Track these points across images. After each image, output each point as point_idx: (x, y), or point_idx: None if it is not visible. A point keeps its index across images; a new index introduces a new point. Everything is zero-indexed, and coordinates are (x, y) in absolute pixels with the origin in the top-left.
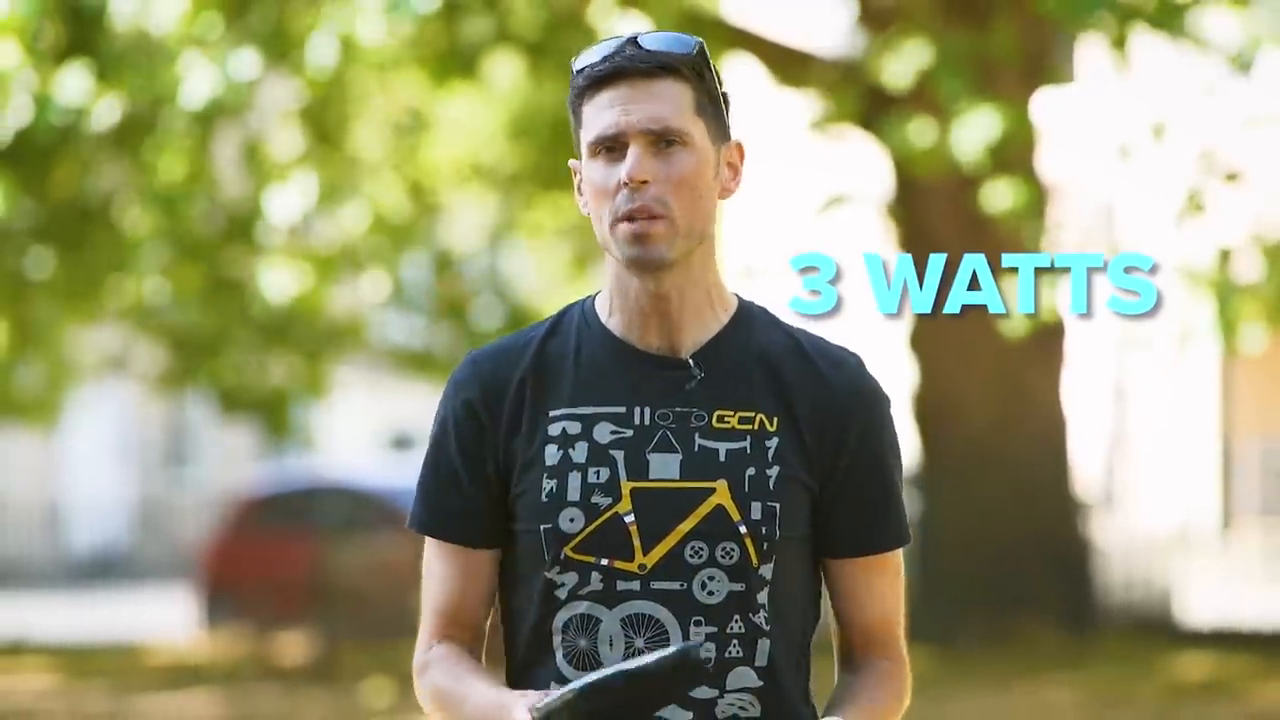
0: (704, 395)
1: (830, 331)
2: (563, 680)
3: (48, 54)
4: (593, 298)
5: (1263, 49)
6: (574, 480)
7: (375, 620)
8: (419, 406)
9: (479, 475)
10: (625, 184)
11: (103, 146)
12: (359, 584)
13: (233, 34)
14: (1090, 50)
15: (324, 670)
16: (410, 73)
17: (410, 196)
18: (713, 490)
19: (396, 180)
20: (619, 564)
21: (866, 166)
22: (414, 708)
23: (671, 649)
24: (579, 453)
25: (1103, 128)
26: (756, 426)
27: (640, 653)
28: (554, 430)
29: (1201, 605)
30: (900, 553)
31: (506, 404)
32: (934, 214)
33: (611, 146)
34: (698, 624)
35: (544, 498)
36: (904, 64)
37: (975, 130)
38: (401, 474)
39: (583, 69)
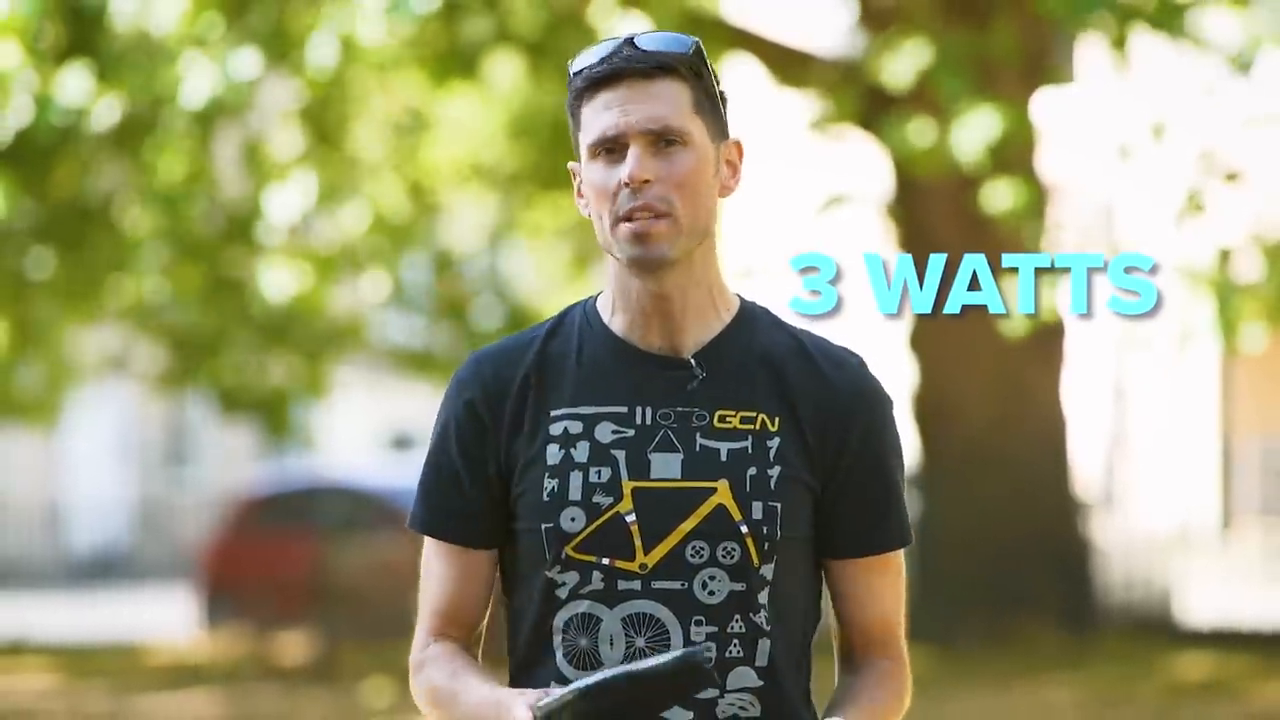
0: (706, 395)
1: (830, 332)
2: (563, 679)
3: (48, 54)
4: (594, 298)
5: (1263, 49)
6: (575, 479)
7: (375, 620)
8: (419, 406)
9: (480, 476)
10: (626, 184)
11: (103, 146)
12: (359, 584)
13: (233, 34)
14: (1090, 50)
15: (324, 670)
16: (410, 73)
17: (410, 196)
18: (714, 490)
19: (396, 180)
20: (620, 563)
21: (866, 166)
22: (414, 708)
23: (675, 652)
24: (581, 452)
25: (1103, 128)
26: (758, 426)
27: (641, 652)
28: (556, 430)
29: (1201, 605)
30: (902, 553)
31: (508, 404)
32: (934, 214)
33: (611, 148)
34: (698, 623)
35: (545, 497)
36: (904, 64)
37: (975, 130)
38: (401, 474)
39: (580, 71)
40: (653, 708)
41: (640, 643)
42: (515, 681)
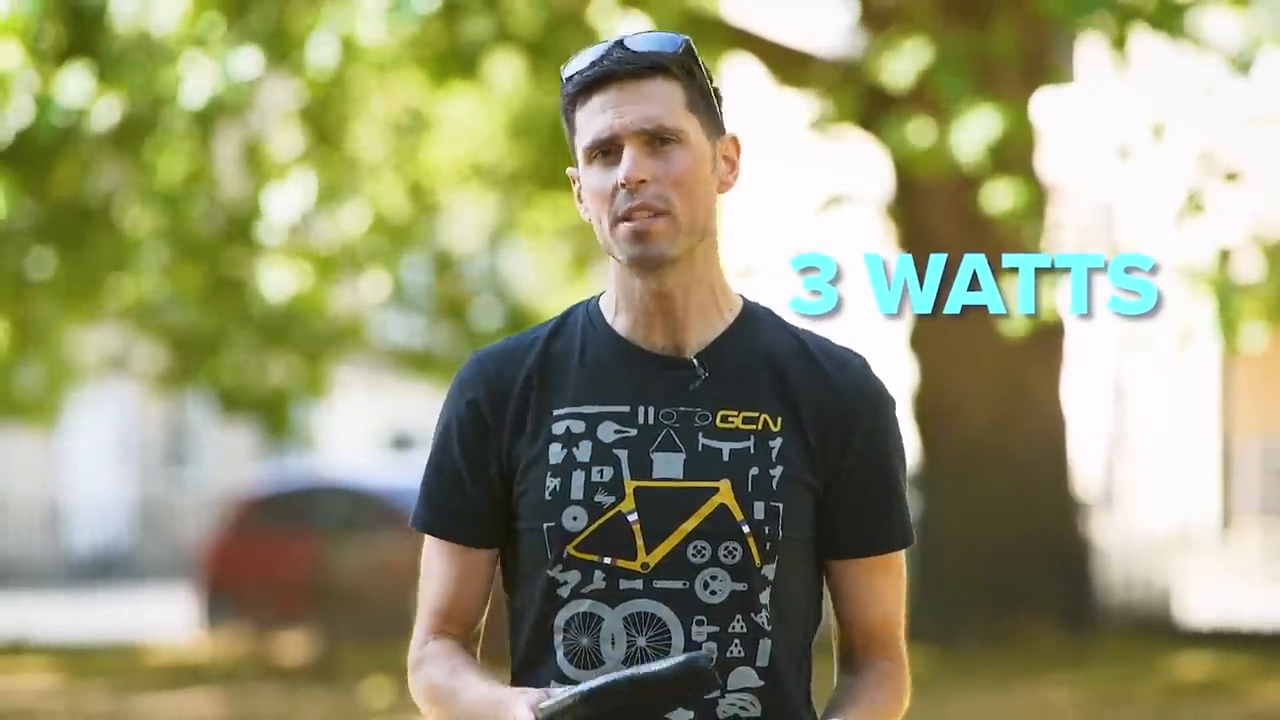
0: (708, 395)
1: (830, 332)
2: (564, 678)
3: (49, 54)
4: (597, 298)
5: (1263, 49)
6: (578, 479)
7: (375, 620)
8: (419, 406)
9: (482, 476)
10: (623, 185)
11: (103, 146)
12: (359, 584)
13: (233, 34)
14: (1090, 50)
15: (324, 670)
16: (410, 73)
17: (410, 196)
18: (716, 490)
19: (396, 180)
20: (621, 563)
21: (866, 166)
22: (414, 708)
23: (678, 657)
24: (583, 451)
25: (1103, 128)
26: (760, 427)
27: (642, 651)
28: (558, 429)
29: (1201, 605)
30: (903, 554)
31: (511, 403)
32: (934, 214)
33: (607, 150)
34: (700, 623)
35: (547, 496)
36: (904, 64)
37: (975, 130)
38: (401, 474)
39: (572, 76)
40: (655, 711)
41: (641, 642)
42: (517, 680)
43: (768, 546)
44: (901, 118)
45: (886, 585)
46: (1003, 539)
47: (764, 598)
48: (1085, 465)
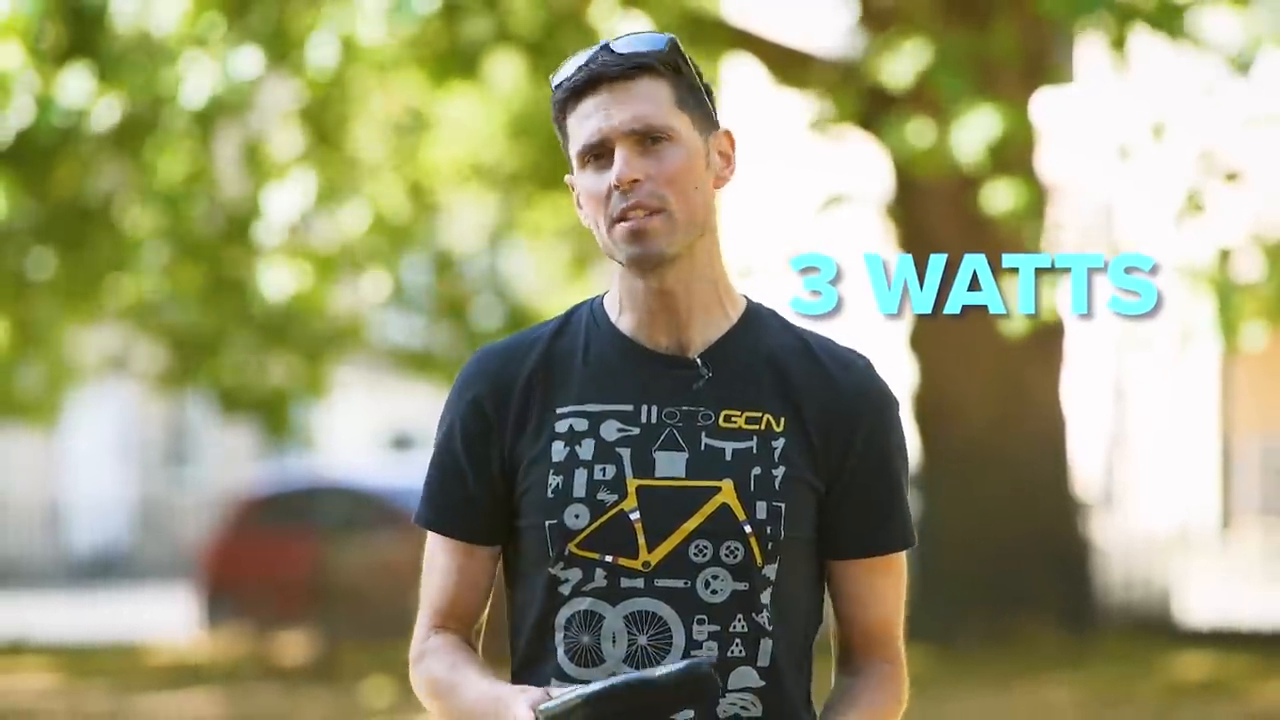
0: (711, 395)
1: (830, 332)
2: (564, 676)
3: (49, 55)
4: (601, 297)
5: (1263, 49)
6: (580, 477)
7: (375, 620)
8: (419, 406)
9: (484, 473)
10: (616, 186)
11: (103, 146)
12: (359, 584)
13: (233, 34)
14: (1090, 50)
15: (324, 670)
16: (410, 73)
17: (410, 196)
18: (718, 489)
19: (396, 180)
20: (623, 561)
21: (866, 166)
22: (414, 707)
23: (680, 663)
24: (586, 450)
25: (1103, 128)
26: (763, 427)
27: (643, 649)
28: (561, 427)
29: (1201, 605)
30: (904, 554)
31: (514, 401)
32: (934, 214)
33: (599, 153)
34: (700, 622)
35: (550, 493)
36: (904, 64)
37: (975, 130)
38: (401, 474)
39: (560, 83)
40: (656, 716)
41: (642, 641)
42: (517, 678)
43: (769, 546)
44: (901, 118)
45: (887, 586)
46: (1003, 539)
47: (765, 597)
48: (1085, 465)
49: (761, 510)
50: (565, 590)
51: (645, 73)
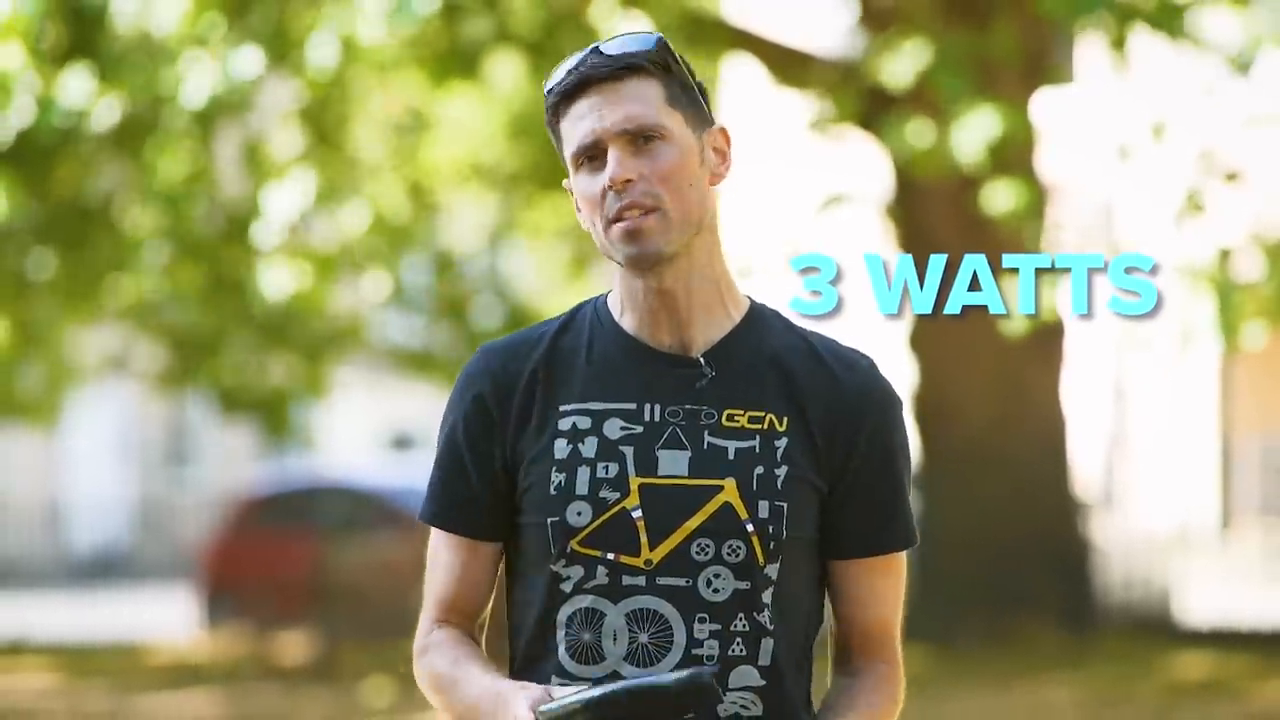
0: (714, 394)
1: (831, 332)
2: (565, 673)
3: (50, 55)
4: (605, 296)
5: (1263, 49)
6: (583, 474)
7: (375, 620)
8: (419, 406)
9: (487, 470)
10: (610, 186)
11: (104, 147)
12: (359, 583)
13: (233, 34)
14: (1090, 50)
15: (324, 670)
16: (410, 73)
17: (410, 196)
18: (720, 488)
19: (396, 180)
20: (625, 559)
21: (866, 166)
22: (414, 707)
23: (681, 672)
24: (588, 447)
25: (1102, 128)
26: (766, 426)
27: (644, 647)
28: (564, 425)
29: (1201, 605)
30: (905, 555)
31: (516, 398)
32: (934, 214)
33: (593, 155)
34: (702, 621)
35: (552, 491)
36: (904, 64)
37: (975, 130)
38: (401, 474)
39: (552, 88)
40: None
41: (643, 638)
42: (518, 675)
43: (771, 545)
44: (901, 118)
45: (887, 586)
46: (1003, 539)
47: (767, 597)
48: (1085, 465)
49: (764, 509)
50: (567, 588)
51: (635, 73)
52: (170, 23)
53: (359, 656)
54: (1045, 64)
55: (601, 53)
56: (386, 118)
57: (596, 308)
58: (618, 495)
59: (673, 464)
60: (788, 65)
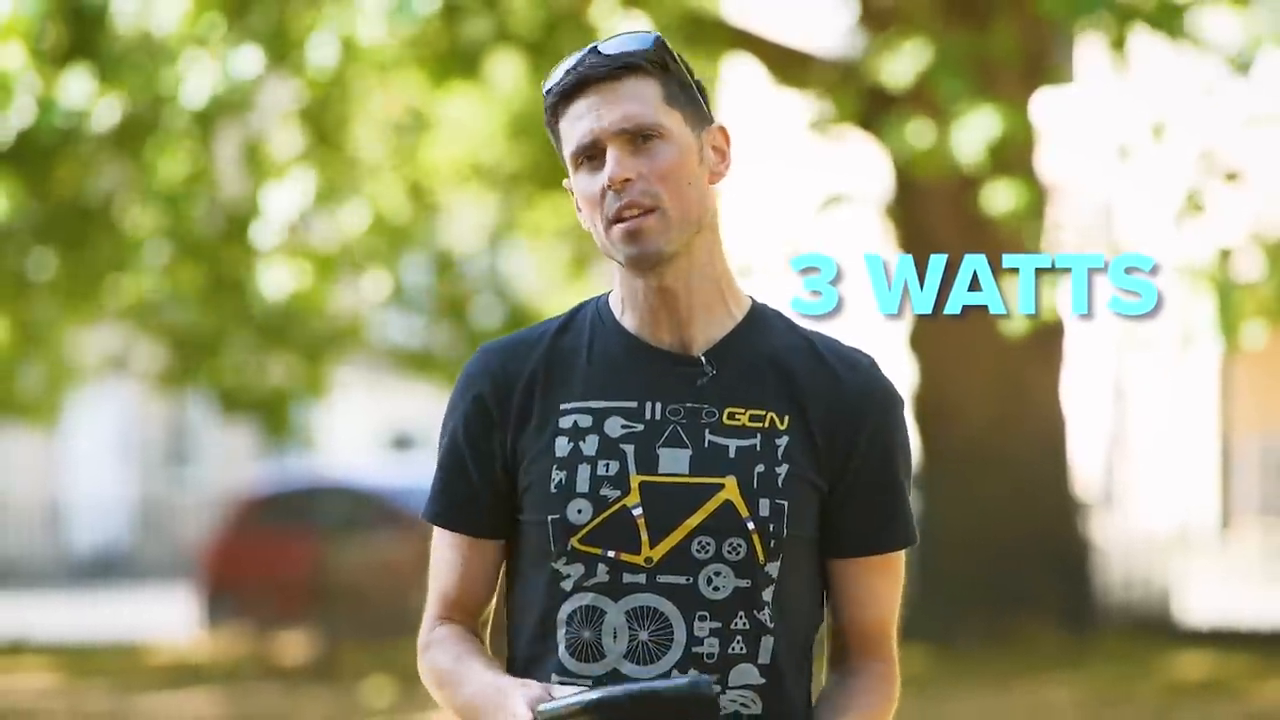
0: (715, 392)
1: (831, 332)
2: (565, 671)
3: (50, 56)
4: (606, 295)
5: (1263, 49)
6: (583, 472)
7: (376, 619)
8: (419, 406)
9: (488, 469)
10: (609, 186)
11: (104, 147)
12: (359, 583)
13: (233, 34)
14: (1090, 50)
15: (324, 669)
16: (410, 73)
17: (410, 196)
18: (721, 486)
19: (396, 180)
20: (625, 556)
21: (866, 166)
22: (414, 707)
23: (682, 678)
24: (589, 445)
25: (1102, 128)
26: (767, 425)
27: (644, 645)
28: (565, 423)
29: (1200, 605)
30: (904, 555)
31: (516, 397)
32: (934, 215)
33: (592, 154)
34: (702, 619)
35: (553, 489)
36: (904, 64)
37: (975, 131)
38: (401, 474)
39: (550, 88)
40: None
41: (644, 636)
42: (517, 673)
43: (772, 544)
44: (901, 118)
45: (886, 586)
46: (1003, 539)
47: (767, 595)
48: (1085, 465)
49: (764, 508)
50: (567, 585)
51: (632, 72)
52: (170, 23)
53: (359, 656)
54: (1045, 64)
55: (599, 52)
56: (386, 118)
57: (598, 307)
58: (618, 493)
59: (673, 462)
60: (788, 65)
